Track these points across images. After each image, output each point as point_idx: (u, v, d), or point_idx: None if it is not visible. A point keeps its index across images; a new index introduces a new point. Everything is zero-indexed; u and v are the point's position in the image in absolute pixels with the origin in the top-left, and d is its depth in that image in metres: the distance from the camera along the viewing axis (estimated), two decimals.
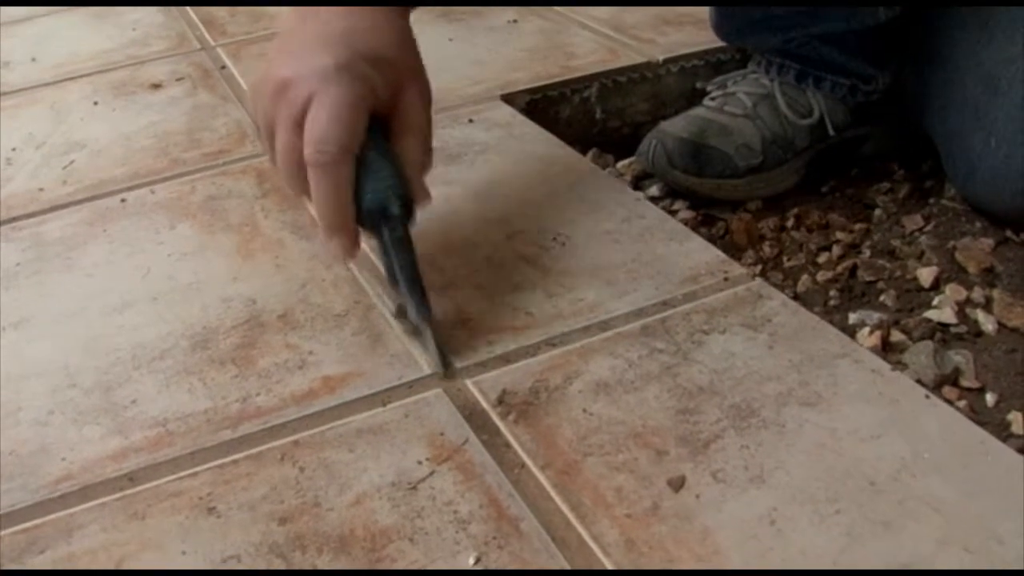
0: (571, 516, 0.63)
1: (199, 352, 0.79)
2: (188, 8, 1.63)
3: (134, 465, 0.70)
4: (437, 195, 0.90)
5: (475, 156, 1.04)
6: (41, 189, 1.07)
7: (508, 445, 0.68)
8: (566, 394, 0.72)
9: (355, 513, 0.64)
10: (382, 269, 0.81)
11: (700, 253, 0.86)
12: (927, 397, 0.70)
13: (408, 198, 0.74)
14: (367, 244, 0.82)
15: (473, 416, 0.71)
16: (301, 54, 0.72)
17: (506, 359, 0.76)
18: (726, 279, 0.83)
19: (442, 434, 0.69)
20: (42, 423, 0.74)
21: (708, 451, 0.66)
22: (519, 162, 1.02)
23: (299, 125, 0.71)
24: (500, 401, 0.72)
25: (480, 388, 0.73)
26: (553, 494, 0.64)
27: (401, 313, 0.78)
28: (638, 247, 0.87)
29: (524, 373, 0.74)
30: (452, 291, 0.83)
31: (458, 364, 0.76)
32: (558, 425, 0.69)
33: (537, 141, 1.07)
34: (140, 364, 0.78)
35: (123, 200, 1.03)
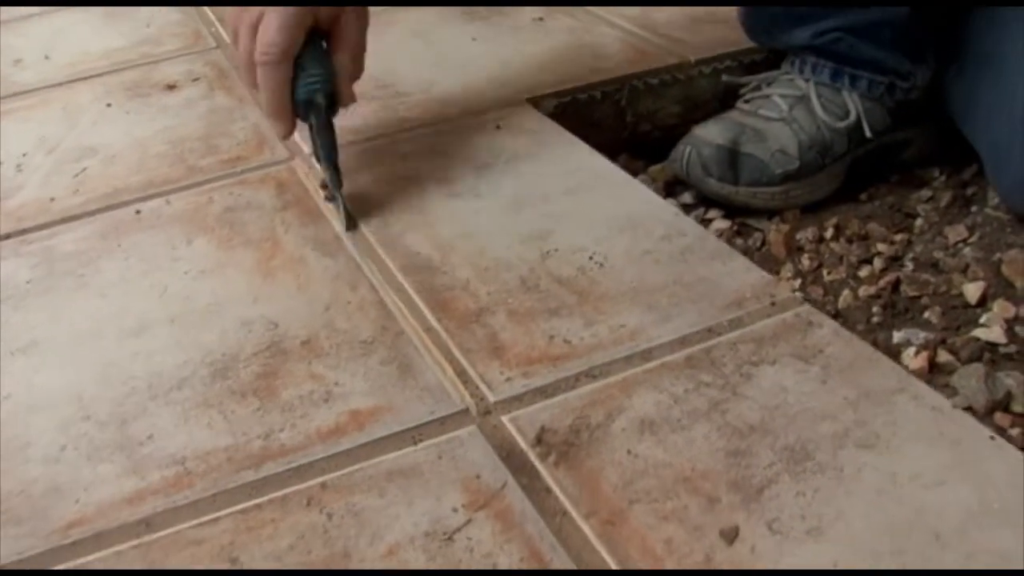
0: (618, 571, 0.58)
1: (219, 382, 0.75)
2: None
3: (151, 509, 0.66)
4: (468, 209, 0.87)
5: (504, 165, 1.00)
6: (52, 199, 1.03)
7: (549, 490, 0.64)
8: (609, 433, 0.68)
9: (388, 565, 0.60)
10: (310, 149, 0.98)
11: (744, 274, 0.82)
12: (992, 439, 0.65)
13: (333, 94, 0.92)
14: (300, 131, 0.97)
15: (511, 457, 0.67)
16: None
17: (544, 392, 0.72)
18: (773, 304, 0.78)
19: (478, 477, 0.65)
20: (54, 460, 0.70)
21: (762, 498, 0.62)
22: (550, 172, 0.98)
23: (254, 34, 0.89)
24: (539, 440, 0.68)
25: (517, 425, 0.69)
26: (598, 546, 0.60)
27: (323, 185, 0.97)
28: (679, 268, 0.83)
29: (563, 409, 0.70)
30: (486, 317, 0.79)
31: (492, 398, 0.72)
32: (601, 468, 0.65)
33: (568, 149, 1.02)
34: (157, 395, 0.74)
35: (138, 212, 0.99)
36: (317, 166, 0.98)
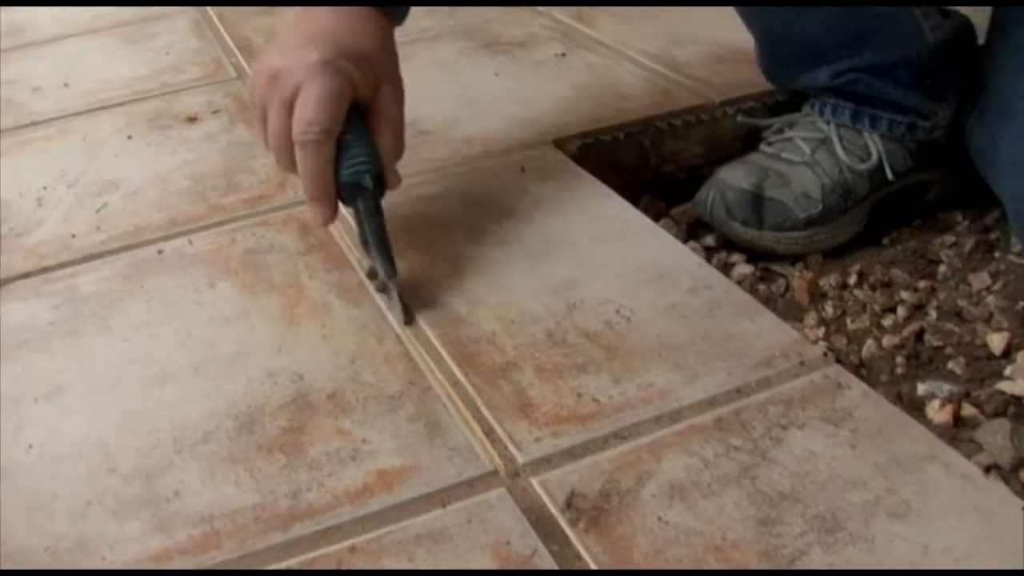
0: None
1: (245, 436, 0.75)
2: (223, 31, 1.58)
3: (179, 569, 0.65)
4: (493, 258, 0.87)
5: (529, 211, 0.99)
6: (74, 235, 1.03)
7: (579, 557, 0.64)
8: (639, 498, 0.67)
9: None
10: (357, 234, 0.91)
11: (772, 332, 0.81)
12: None
13: (380, 175, 0.86)
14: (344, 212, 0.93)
15: (540, 522, 0.66)
16: (292, 49, 0.83)
17: (572, 454, 0.71)
18: (801, 363, 0.78)
19: (508, 543, 0.65)
20: (79, 515, 0.70)
21: (793, 570, 0.61)
22: (575, 220, 0.97)
23: (288, 110, 0.83)
24: (569, 504, 0.67)
25: (547, 488, 0.69)
26: None
27: (372, 274, 0.90)
28: (706, 323, 0.82)
29: (593, 471, 0.70)
30: (513, 372, 0.78)
31: (521, 459, 0.71)
32: (632, 535, 0.65)
33: (592, 194, 1.02)
34: (182, 448, 0.74)
35: (160, 251, 0.98)
36: (360, 250, 0.93)
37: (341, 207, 0.88)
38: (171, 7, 1.72)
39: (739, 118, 1.20)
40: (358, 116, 0.85)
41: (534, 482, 0.69)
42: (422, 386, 0.78)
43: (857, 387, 0.76)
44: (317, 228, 0.98)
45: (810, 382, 0.77)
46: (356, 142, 0.84)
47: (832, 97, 1.09)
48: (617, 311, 0.85)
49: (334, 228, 0.99)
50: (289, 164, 0.85)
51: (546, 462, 0.71)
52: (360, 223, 0.87)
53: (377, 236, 0.86)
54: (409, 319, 0.85)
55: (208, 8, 1.70)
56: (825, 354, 0.78)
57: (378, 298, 0.89)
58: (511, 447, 0.72)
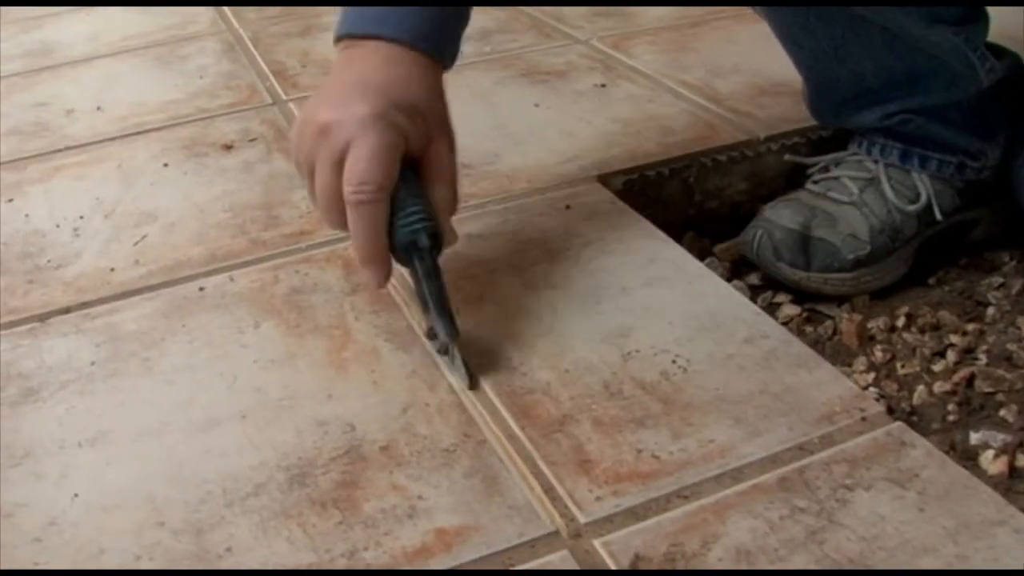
0: None
1: (297, 490, 0.73)
2: (257, 54, 1.57)
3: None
4: (543, 302, 0.85)
5: (578, 252, 0.97)
6: (112, 269, 1.01)
7: None
8: (706, 562, 0.66)
9: None
10: (414, 295, 0.86)
11: (832, 385, 0.80)
12: None
13: (436, 233, 0.82)
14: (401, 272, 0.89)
15: None
16: (342, 101, 0.79)
17: (635, 514, 0.69)
18: (863, 419, 0.76)
19: None
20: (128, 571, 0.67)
21: None
22: (625, 262, 0.95)
23: (338, 167, 0.78)
24: (634, 568, 0.65)
25: (610, 551, 0.67)
26: None
27: (431, 335, 0.85)
28: (764, 376, 0.80)
29: (657, 533, 0.68)
30: (569, 426, 0.76)
31: (583, 519, 0.69)
32: None
33: (641, 235, 1.00)
34: (232, 501, 0.72)
35: (201, 289, 0.97)
36: (417, 307, 0.89)
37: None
38: (200, 28, 1.71)
39: (786, 156, 1.18)
40: (411, 170, 0.81)
41: (597, 544, 0.68)
42: (477, 439, 0.76)
43: (921, 446, 0.74)
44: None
45: (873, 440, 0.75)
46: (410, 198, 0.80)
47: (881, 136, 1.08)
48: (673, 361, 0.83)
49: None
50: (339, 223, 0.81)
51: (608, 522, 0.69)
52: (417, 283, 0.83)
53: (437, 297, 0.81)
54: (474, 384, 0.81)
55: (240, 29, 1.68)
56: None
57: (438, 359, 0.85)
58: (572, 506, 0.70)
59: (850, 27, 1.02)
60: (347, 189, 0.78)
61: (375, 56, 0.82)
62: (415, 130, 0.80)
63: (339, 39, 0.86)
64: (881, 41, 1.01)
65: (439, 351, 0.84)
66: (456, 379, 0.82)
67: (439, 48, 0.85)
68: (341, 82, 0.82)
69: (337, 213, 0.80)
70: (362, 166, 0.77)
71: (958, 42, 0.98)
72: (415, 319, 0.90)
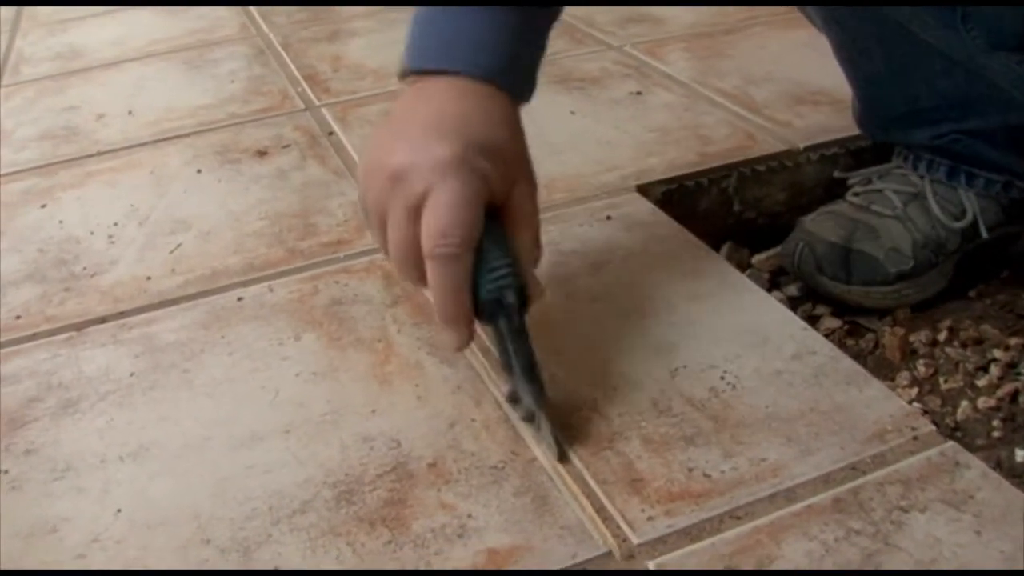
0: None
1: (344, 507, 0.72)
2: (288, 60, 1.56)
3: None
4: (586, 316, 0.84)
5: (620, 264, 0.96)
6: (148, 278, 1.00)
7: None
8: None
9: None
10: (497, 355, 0.79)
11: (882, 403, 0.78)
12: None
13: (523, 289, 0.74)
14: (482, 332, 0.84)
15: None
16: (416, 142, 0.72)
17: (689, 535, 0.68)
18: (915, 438, 0.75)
19: None
20: None
21: None
22: (669, 275, 0.94)
23: (414, 216, 0.71)
24: None
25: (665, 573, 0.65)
26: None
27: (513, 399, 0.77)
28: (814, 393, 0.79)
29: (712, 555, 0.67)
30: (619, 443, 0.75)
31: (636, 540, 0.68)
32: None
33: (682, 246, 0.99)
34: (279, 519, 0.71)
35: (240, 299, 0.96)
36: (500, 370, 0.82)
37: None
38: (229, 32, 1.70)
39: (835, 173, 1.16)
40: (493, 220, 0.73)
41: (650, 565, 0.67)
42: (526, 457, 0.75)
43: (976, 467, 0.73)
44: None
45: (927, 459, 0.74)
46: (494, 251, 0.73)
47: (928, 153, 1.06)
48: (721, 377, 0.82)
49: None
50: (417, 278, 0.74)
51: (661, 543, 0.68)
52: (502, 343, 0.75)
53: (525, 361, 0.75)
54: (563, 457, 0.74)
55: (270, 34, 1.68)
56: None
57: (523, 428, 0.78)
58: (624, 526, 0.69)
59: (910, 52, 1.00)
60: (427, 243, 0.70)
61: (450, 91, 0.75)
62: (498, 175, 0.73)
63: (406, 75, 0.78)
64: (940, 67, 0.99)
65: (523, 419, 0.78)
66: (542, 450, 0.76)
67: (518, 82, 0.79)
68: (412, 119, 0.75)
69: (415, 268, 0.73)
70: (444, 217, 0.70)
71: (1021, 71, 0.96)
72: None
